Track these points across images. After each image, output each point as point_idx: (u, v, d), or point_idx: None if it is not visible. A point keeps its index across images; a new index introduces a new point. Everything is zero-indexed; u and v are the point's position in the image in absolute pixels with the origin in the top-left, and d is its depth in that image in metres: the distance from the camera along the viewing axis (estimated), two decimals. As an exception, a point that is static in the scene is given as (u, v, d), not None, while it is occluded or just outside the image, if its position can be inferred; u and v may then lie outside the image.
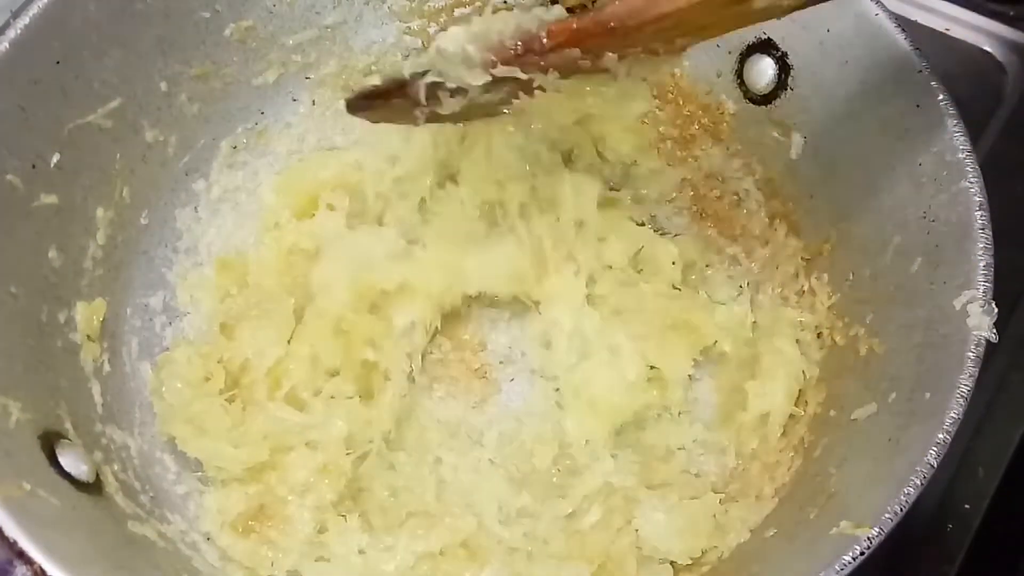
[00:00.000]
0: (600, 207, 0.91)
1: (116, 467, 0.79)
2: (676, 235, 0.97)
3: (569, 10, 0.98)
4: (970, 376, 0.66)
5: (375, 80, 0.90)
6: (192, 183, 0.94)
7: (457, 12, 1.00)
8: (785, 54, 0.86)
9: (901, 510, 0.63)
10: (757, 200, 0.95)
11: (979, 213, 0.72)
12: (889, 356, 0.76)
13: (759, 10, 0.65)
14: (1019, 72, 1.12)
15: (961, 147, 0.73)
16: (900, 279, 0.77)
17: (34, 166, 0.78)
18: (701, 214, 0.98)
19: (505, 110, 0.78)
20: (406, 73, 0.75)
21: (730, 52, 0.91)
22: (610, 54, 0.71)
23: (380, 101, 0.78)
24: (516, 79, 0.72)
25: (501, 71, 0.72)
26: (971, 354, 0.67)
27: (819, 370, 0.85)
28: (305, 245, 0.94)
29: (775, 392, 0.84)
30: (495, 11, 0.73)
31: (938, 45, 1.12)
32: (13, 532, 0.61)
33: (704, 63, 0.94)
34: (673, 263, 0.92)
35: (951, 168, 0.74)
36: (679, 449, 0.88)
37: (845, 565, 0.62)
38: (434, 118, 0.77)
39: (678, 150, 0.99)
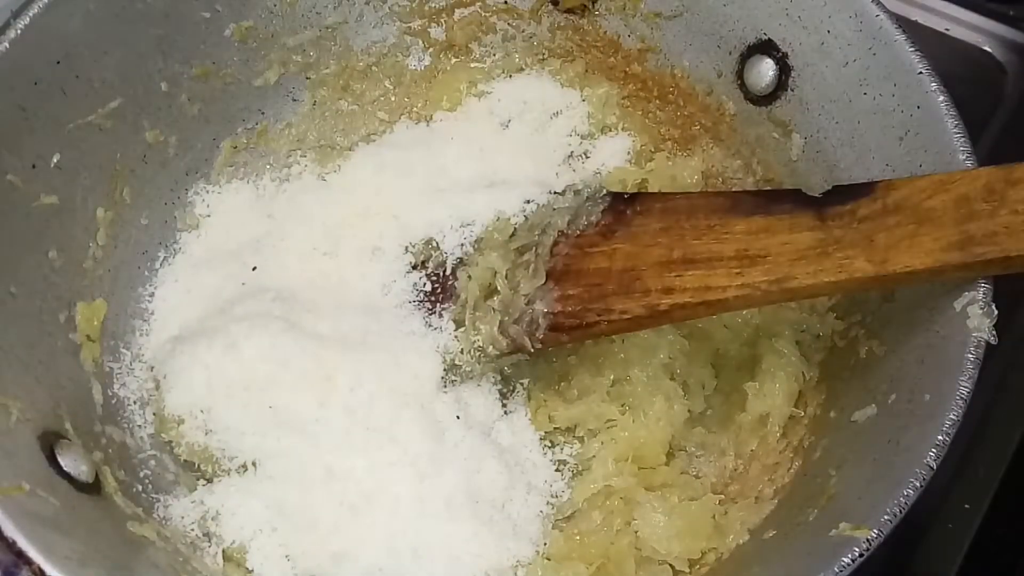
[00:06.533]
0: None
1: (115, 467, 0.78)
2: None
3: (568, 11, 0.99)
4: (969, 378, 0.66)
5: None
6: (192, 183, 0.94)
7: (457, 13, 1.00)
8: (785, 55, 0.86)
9: (900, 511, 0.63)
10: (757, 201, 0.95)
11: (979, 214, 0.71)
12: (889, 358, 0.76)
13: None
14: (1019, 72, 1.11)
15: (961, 147, 0.73)
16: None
17: (34, 166, 0.78)
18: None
19: None
20: None
21: (730, 53, 0.91)
22: None
23: None
24: None
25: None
26: (971, 356, 0.66)
27: (819, 371, 0.85)
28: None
29: (775, 393, 0.84)
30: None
31: (938, 45, 1.11)
32: (12, 532, 0.61)
33: (704, 63, 0.93)
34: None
35: (951, 169, 0.74)
36: (679, 450, 0.88)
37: (844, 566, 0.62)
38: None
39: (678, 150, 0.99)
